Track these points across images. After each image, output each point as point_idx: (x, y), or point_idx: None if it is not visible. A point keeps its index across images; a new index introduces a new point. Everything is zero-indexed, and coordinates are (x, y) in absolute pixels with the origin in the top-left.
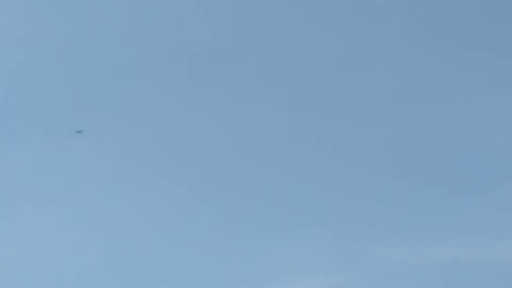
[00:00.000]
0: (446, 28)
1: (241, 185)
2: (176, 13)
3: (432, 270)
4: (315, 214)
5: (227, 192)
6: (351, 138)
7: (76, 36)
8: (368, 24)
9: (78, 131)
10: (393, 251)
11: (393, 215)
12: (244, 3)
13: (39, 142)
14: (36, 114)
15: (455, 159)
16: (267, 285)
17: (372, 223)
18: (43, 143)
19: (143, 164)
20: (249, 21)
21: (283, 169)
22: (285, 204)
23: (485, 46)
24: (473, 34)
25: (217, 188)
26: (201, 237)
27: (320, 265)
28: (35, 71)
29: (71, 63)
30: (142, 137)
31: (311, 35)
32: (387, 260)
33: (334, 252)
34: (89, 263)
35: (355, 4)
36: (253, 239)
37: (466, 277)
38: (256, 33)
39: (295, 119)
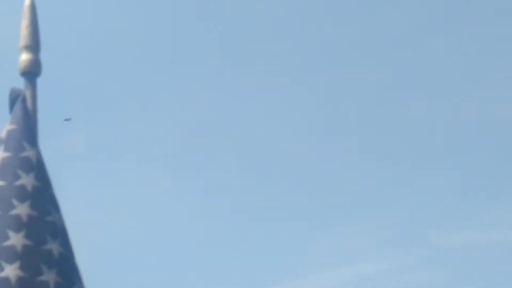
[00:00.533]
0: (472, 15)
1: (299, 173)
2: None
3: (487, 253)
4: (371, 199)
5: (291, 180)
6: (404, 128)
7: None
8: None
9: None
10: (449, 234)
11: (448, 199)
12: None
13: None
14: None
15: (506, 143)
16: (325, 270)
17: (428, 207)
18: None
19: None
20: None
21: (339, 156)
22: (342, 191)
23: None
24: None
25: (284, 178)
26: (267, 222)
27: (376, 250)
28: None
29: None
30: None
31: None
32: (443, 244)
33: (389, 237)
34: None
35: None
36: (311, 226)
37: None
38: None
39: (353, 109)
